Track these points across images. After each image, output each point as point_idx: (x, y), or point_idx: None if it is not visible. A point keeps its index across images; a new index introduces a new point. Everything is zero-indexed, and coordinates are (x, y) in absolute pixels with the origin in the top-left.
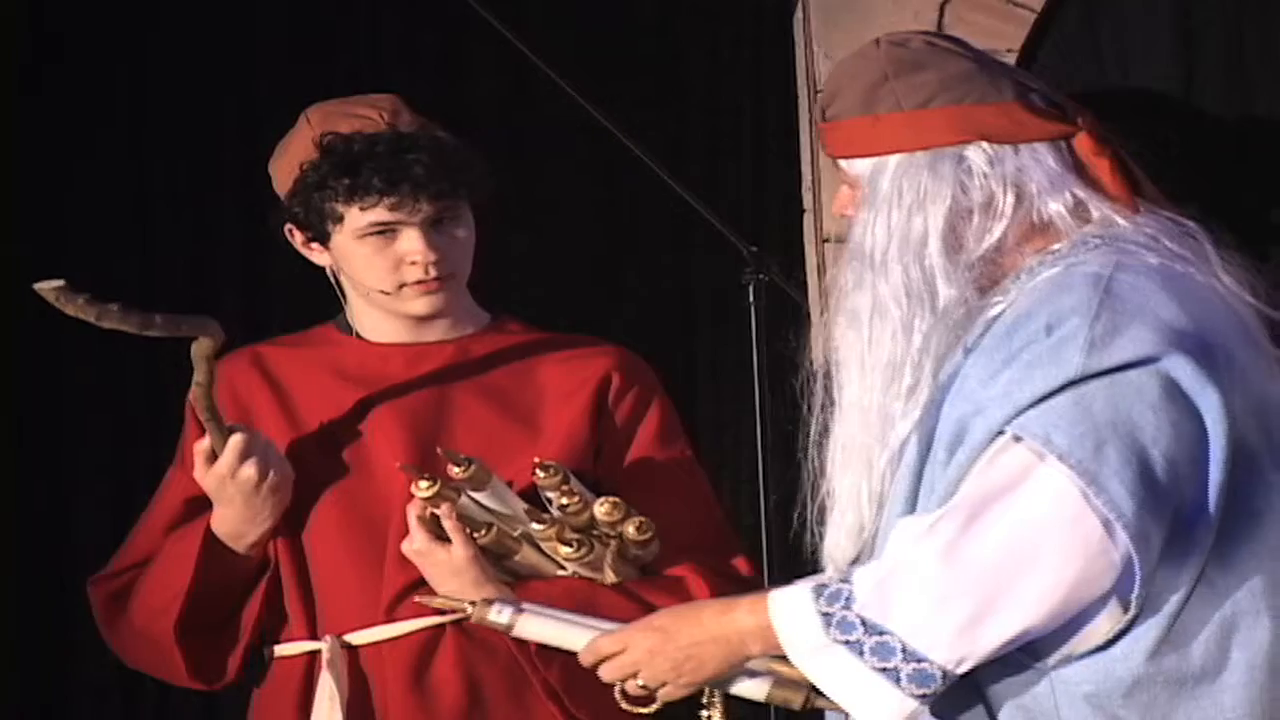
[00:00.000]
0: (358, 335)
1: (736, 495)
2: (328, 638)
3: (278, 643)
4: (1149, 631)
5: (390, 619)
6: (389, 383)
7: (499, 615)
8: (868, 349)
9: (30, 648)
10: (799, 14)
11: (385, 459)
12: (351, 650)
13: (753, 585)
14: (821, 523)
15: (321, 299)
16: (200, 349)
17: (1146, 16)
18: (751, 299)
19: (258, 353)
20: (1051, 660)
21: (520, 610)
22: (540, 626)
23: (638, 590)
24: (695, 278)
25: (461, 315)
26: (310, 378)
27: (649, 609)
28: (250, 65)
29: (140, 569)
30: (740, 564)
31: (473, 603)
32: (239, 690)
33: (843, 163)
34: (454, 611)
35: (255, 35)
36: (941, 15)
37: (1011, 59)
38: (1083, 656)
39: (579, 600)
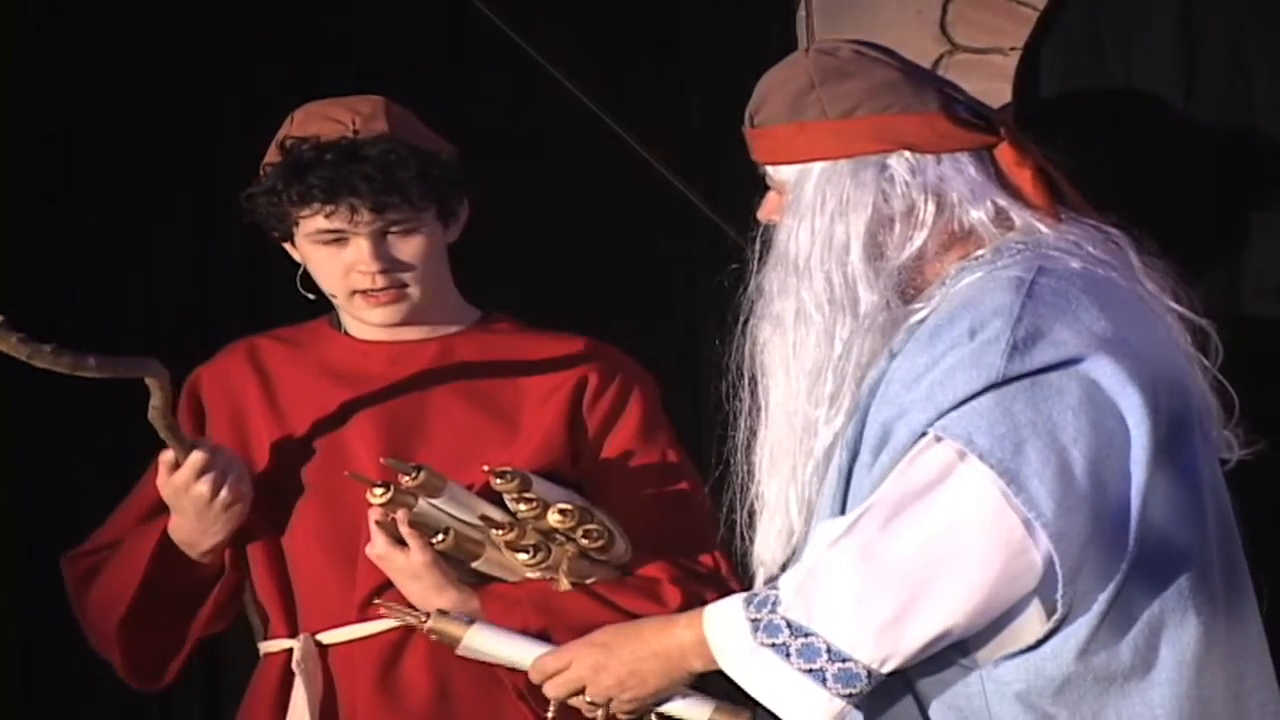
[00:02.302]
0: (346, 332)
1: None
2: (301, 636)
3: (265, 639)
4: (1079, 630)
5: (362, 618)
6: (371, 380)
7: (449, 628)
8: (792, 354)
9: (30, 647)
10: (801, 13)
11: (361, 458)
12: (324, 649)
13: (725, 582)
14: (752, 526)
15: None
16: (153, 381)
17: (1149, 15)
18: None
19: (254, 344)
20: (982, 659)
21: (469, 624)
22: (488, 642)
23: (606, 592)
24: (698, 277)
25: (446, 314)
26: (298, 373)
27: (617, 610)
28: (250, 65)
29: (110, 550)
30: (709, 560)
31: (425, 616)
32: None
33: (769, 169)
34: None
35: (255, 35)
36: (945, 14)
37: (1015, 57)
38: (1013, 655)
39: (543, 603)
